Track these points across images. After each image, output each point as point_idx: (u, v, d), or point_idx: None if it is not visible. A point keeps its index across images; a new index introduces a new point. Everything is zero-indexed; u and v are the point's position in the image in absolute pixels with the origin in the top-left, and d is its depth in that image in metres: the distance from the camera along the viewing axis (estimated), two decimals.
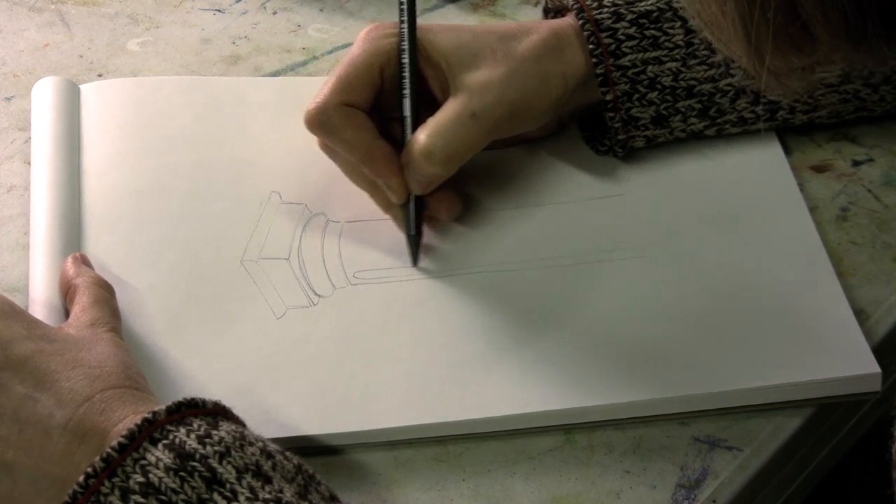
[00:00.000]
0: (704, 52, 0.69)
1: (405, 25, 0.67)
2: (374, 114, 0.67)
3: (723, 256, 0.67)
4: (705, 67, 0.70)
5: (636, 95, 0.69)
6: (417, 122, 0.66)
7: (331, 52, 0.81)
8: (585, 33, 0.69)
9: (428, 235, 0.68)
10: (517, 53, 0.67)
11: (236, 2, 0.85)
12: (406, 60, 0.67)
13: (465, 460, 0.60)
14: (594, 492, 0.59)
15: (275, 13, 0.84)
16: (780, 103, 0.72)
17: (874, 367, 0.62)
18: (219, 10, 0.84)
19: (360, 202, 0.70)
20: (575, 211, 0.70)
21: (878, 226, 0.70)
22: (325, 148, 0.69)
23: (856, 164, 0.74)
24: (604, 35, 0.69)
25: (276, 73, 0.80)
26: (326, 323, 0.64)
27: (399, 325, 0.64)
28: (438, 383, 0.62)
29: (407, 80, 0.67)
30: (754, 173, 0.72)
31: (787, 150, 0.73)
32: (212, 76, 0.79)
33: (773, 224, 0.69)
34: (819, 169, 0.73)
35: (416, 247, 0.67)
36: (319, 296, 0.66)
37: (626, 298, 0.65)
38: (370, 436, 0.60)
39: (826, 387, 0.62)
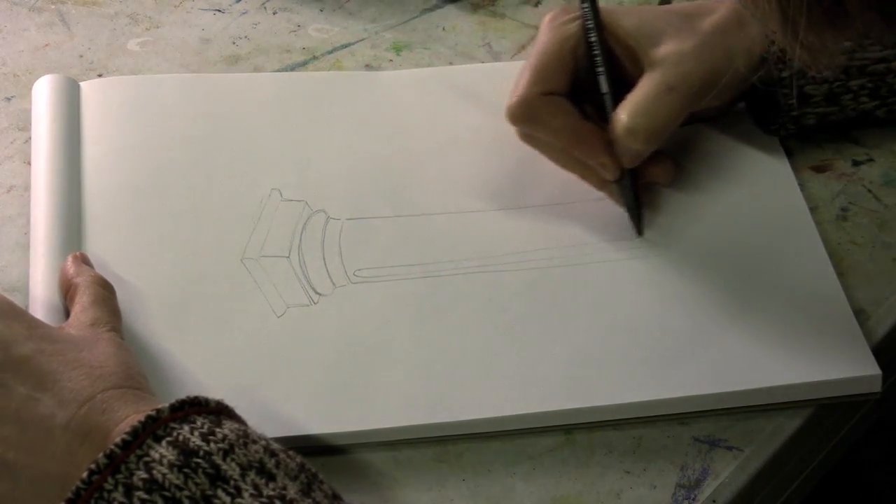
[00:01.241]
0: None
1: (587, 4, 0.67)
2: (572, 97, 0.68)
3: (722, 256, 0.67)
4: (879, 48, 0.70)
5: (810, 73, 0.69)
6: (617, 99, 0.67)
7: (331, 52, 0.81)
8: None
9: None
10: (702, 29, 0.68)
11: (236, 2, 0.85)
12: (594, 39, 0.67)
13: (465, 460, 0.60)
14: (594, 492, 0.59)
15: (275, 13, 0.84)
16: None
17: (874, 369, 0.62)
18: (219, 10, 0.84)
19: (360, 201, 0.70)
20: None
21: (878, 226, 0.70)
22: (527, 138, 0.69)
23: (856, 164, 0.74)
24: None
25: None
26: (327, 321, 0.64)
27: (399, 323, 0.64)
28: (438, 383, 0.62)
29: (600, 58, 0.67)
30: (755, 173, 0.72)
31: (788, 150, 0.73)
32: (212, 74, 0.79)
33: (773, 224, 0.69)
34: (819, 169, 0.73)
35: (638, 218, 0.68)
36: (320, 294, 0.66)
37: (625, 299, 0.65)
38: (370, 435, 0.60)
39: (826, 388, 0.62)
